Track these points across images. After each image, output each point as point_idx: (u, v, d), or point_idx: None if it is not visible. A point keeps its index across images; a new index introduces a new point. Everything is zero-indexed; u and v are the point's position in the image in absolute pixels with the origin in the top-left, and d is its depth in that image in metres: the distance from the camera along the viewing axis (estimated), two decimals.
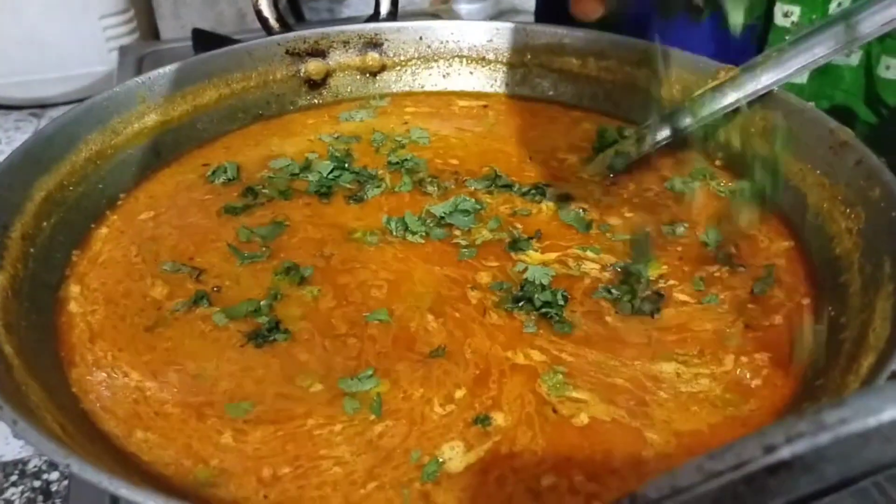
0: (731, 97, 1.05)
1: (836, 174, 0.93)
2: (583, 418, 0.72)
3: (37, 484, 1.47)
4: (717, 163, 1.10)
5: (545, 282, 0.87)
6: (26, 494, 1.43)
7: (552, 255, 0.92)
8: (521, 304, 0.85)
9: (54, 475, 1.46)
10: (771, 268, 0.90)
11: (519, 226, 0.97)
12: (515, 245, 0.93)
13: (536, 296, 0.85)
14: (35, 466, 1.49)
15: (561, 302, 0.84)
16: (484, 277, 0.89)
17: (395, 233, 0.96)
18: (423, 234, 0.95)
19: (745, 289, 0.87)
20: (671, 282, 0.88)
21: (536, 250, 0.93)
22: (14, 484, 1.45)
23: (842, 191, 0.91)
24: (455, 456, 0.69)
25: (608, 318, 0.83)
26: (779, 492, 0.35)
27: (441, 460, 0.68)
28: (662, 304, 0.85)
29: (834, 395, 0.69)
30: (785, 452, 0.34)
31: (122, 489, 0.52)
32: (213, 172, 1.08)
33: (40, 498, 1.42)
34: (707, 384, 0.76)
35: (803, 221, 0.95)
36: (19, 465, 1.49)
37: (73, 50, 2.66)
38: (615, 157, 1.09)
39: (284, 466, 0.68)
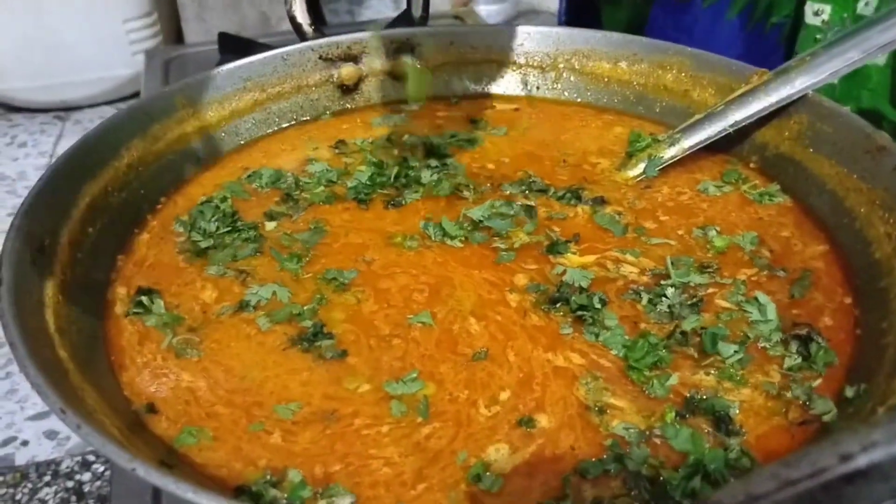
0: (764, 101, 1.06)
1: (873, 178, 0.93)
2: (615, 425, 0.72)
3: (70, 484, 1.49)
4: (752, 165, 1.11)
5: (584, 284, 0.88)
6: (60, 495, 1.45)
7: (591, 258, 0.93)
8: (558, 306, 0.85)
9: (87, 476, 1.49)
10: (808, 273, 0.90)
11: (556, 229, 0.98)
12: (554, 248, 0.94)
13: (574, 298, 0.85)
14: (68, 467, 1.51)
15: (598, 305, 0.85)
16: (522, 280, 0.90)
17: (433, 237, 0.97)
18: (462, 238, 0.96)
19: (784, 293, 0.88)
20: (710, 290, 0.88)
21: (574, 253, 0.94)
22: (48, 484, 1.47)
23: (880, 195, 0.91)
24: (500, 458, 0.70)
25: (643, 325, 0.83)
26: (855, 499, 0.36)
27: (487, 462, 0.69)
28: (702, 309, 0.85)
29: (879, 400, 0.70)
30: (861, 461, 0.35)
31: (189, 493, 0.53)
32: (249, 176, 1.09)
33: (73, 498, 1.44)
34: (749, 394, 0.76)
35: (840, 225, 0.95)
36: (52, 465, 1.52)
37: (96, 53, 2.68)
38: (649, 163, 1.10)
39: (335, 464, 0.69)
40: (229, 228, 0.98)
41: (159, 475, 0.55)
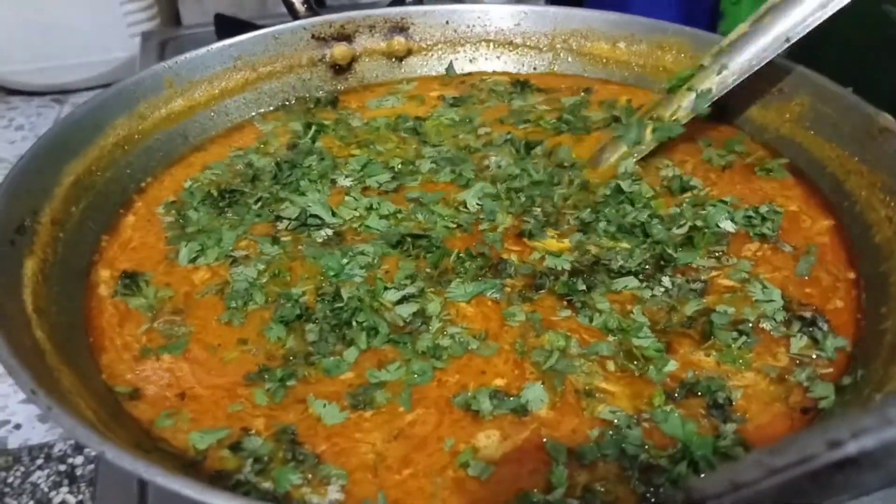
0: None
1: (874, 161, 0.91)
2: (601, 410, 0.70)
3: (62, 468, 1.47)
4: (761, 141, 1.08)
5: (566, 267, 0.86)
6: (52, 478, 1.44)
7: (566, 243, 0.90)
8: (543, 291, 0.83)
9: (79, 459, 1.47)
10: (814, 247, 0.88)
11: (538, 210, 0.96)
12: (531, 233, 0.91)
13: (561, 279, 0.83)
14: (60, 450, 1.49)
15: (582, 287, 0.83)
16: (514, 259, 0.88)
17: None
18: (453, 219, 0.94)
19: (790, 269, 0.85)
20: (713, 273, 0.85)
21: (552, 237, 0.91)
22: (40, 468, 1.46)
23: (881, 178, 0.89)
24: (491, 444, 0.68)
25: (636, 308, 0.81)
26: (844, 488, 0.34)
27: (476, 447, 0.67)
28: (705, 292, 0.82)
29: (876, 386, 0.68)
30: (851, 448, 0.33)
31: (158, 477, 0.52)
32: (237, 157, 1.07)
33: (66, 481, 1.43)
34: (752, 378, 0.74)
35: (840, 208, 0.93)
36: (45, 448, 1.50)
37: (94, 36, 2.65)
38: (697, 98, 1.02)
39: (322, 444, 0.68)
40: (217, 212, 0.96)
41: (130, 459, 0.53)
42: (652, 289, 0.83)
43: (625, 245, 0.89)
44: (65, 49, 2.66)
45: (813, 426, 0.53)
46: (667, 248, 0.87)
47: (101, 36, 2.65)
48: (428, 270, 0.86)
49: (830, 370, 0.74)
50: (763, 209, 0.92)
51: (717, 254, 0.87)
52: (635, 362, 0.75)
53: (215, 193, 0.98)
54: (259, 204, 0.97)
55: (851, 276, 0.85)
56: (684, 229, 0.90)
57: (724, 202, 0.93)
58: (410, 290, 0.82)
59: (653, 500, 0.62)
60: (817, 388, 0.72)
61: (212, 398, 0.73)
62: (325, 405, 0.71)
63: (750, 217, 0.91)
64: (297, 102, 1.23)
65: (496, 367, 0.75)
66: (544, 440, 0.68)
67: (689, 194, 0.97)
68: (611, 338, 0.78)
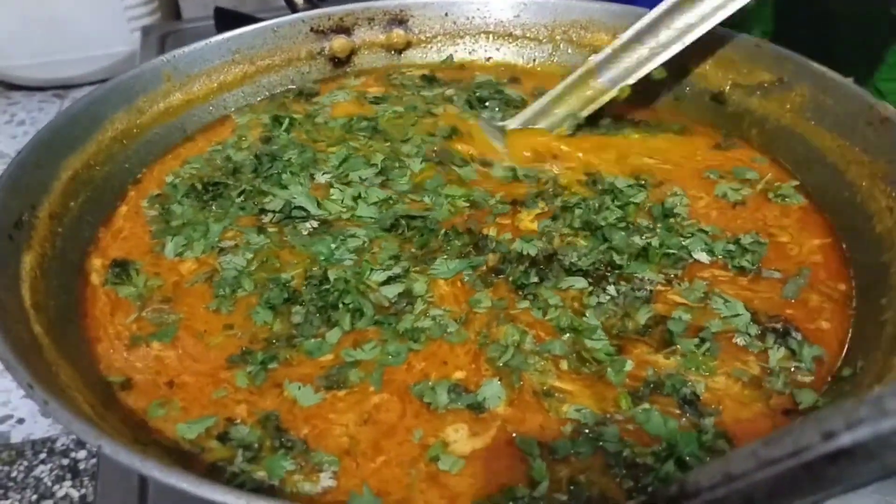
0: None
1: (875, 151, 0.90)
2: (566, 410, 0.70)
3: (65, 462, 1.48)
4: (753, 139, 1.08)
5: (532, 252, 0.85)
6: (55, 472, 1.44)
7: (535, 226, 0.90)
8: (501, 277, 0.83)
9: (82, 453, 1.48)
10: (806, 270, 0.85)
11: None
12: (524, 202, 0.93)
13: (519, 268, 0.83)
14: (63, 445, 1.50)
15: (534, 279, 0.82)
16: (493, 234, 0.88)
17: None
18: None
19: (776, 293, 0.82)
20: (658, 287, 0.82)
21: (538, 211, 0.92)
22: (43, 462, 1.46)
23: (882, 168, 0.88)
24: (460, 439, 0.68)
25: (589, 311, 0.79)
26: (839, 480, 0.33)
27: (446, 441, 0.67)
28: (651, 300, 0.81)
29: (878, 377, 0.67)
30: (845, 440, 0.33)
31: (154, 471, 0.52)
32: (217, 150, 1.07)
33: (68, 475, 1.43)
34: (723, 382, 0.73)
35: (840, 199, 0.92)
36: (48, 443, 1.51)
37: (95, 31, 2.65)
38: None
39: (303, 427, 0.69)
40: (201, 205, 0.96)
41: (127, 453, 0.53)
42: (598, 296, 0.81)
43: (583, 242, 0.88)
44: (66, 44, 2.66)
45: (807, 417, 0.53)
46: (618, 255, 0.85)
47: (102, 31, 2.66)
48: (413, 250, 0.86)
49: (810, 378, 0.73)
50: (746, 240, 0.88)
51: (669, 276, 0.84)
52: (587, 364, 0.74)
53: (199, 187, 0.98)
54: (242, 197, 0.96)
55: (842, 287, 0.83)
56: (642, 241, 0.87)
57: (705, 231, 0.90)
58: (396, 270, 0.82)
59: (645, 492, 0.62)
60: (800, 394, 0.71)
61: (197, 385, 0.73)
62: (299, 387, 0.71)
63: (730, 250, 0.87)
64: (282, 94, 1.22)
65: (458, 357, 0.75)
66: (513, 435, 0.67)
67: (671, 220, 0.92)
68: (565, 336, 0.76)
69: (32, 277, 0.78)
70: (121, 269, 0.86)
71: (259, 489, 0.63)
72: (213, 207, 0.95)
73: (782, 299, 0.82)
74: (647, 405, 0.69)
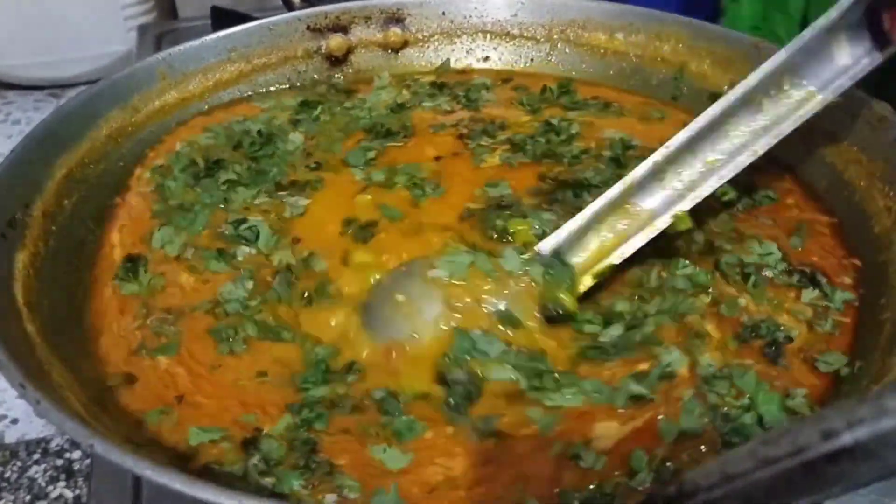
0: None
1: (873, 150, 0.89)
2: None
3: (59, 462, 1.47)
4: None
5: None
6: (49, 473, 1.44)
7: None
8: None
9: (76, 454, 1.47)
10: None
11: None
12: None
13: None
14: (57, 445, 1.49)
15: None
16: None
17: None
18: None
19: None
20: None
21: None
22: (37, 462, 1.46)
23: (880, 167, 0.88)
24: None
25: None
26: (839, 480, 0.33)
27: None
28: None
29: (876, 378, 0.67)
30: (846, 439, 0.32)
31: (147, 471, 0.51)
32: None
33: (63, 476, 1.43)
34: (791, 322, 0.75)
35: (839, 199, 0.92)
36: (42, 443, 1.50)
37: (91, 30, 2.64)
38: None
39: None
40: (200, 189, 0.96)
41: (119, 453, 0.53)
42: None
43: None
44: (62, 43, 2.65)
45: (807, 417, 0.53)
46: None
47: (99, 30, 2.65)
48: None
49: (847, 319, 0.75)
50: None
51: None
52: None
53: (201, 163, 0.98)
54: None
55: (857, 262, 0.84)
56: None
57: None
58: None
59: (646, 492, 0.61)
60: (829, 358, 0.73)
61: (216, 406, 0.70)
62: (385, 450, 0.64)
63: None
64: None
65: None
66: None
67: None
68: None
69: (25, 276, 0.77)
70: (132, 265, 0.85)
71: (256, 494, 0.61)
72: (223, 187, 0.96)
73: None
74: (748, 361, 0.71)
